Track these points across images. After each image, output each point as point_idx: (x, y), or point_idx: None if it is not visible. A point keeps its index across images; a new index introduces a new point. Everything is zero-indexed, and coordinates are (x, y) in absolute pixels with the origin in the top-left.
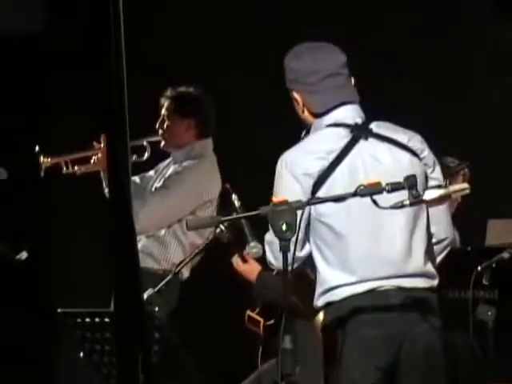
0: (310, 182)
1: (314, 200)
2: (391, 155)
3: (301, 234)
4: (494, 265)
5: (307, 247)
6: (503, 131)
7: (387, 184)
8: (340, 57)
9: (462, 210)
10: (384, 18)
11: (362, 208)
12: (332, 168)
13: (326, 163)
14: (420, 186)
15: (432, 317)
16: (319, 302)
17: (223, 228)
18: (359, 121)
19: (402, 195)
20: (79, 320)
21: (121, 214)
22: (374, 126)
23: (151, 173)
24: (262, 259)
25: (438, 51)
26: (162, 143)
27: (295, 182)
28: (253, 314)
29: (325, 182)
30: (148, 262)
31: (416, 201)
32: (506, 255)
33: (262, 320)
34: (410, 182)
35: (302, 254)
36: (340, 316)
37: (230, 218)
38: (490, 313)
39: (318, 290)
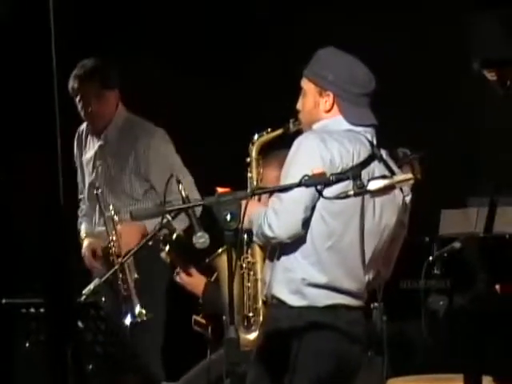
0: (330, 171)
1: (258, 191)
2: None
3: (308, 213)
4: (445, 254)
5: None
6: (457, 120)
7: (331, 174)
8: (373, 82)
9: (416, 200)
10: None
11: (357, 219)
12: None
13: (349, 164)
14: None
15: (361, 338)
16: (281, 288)
17: (169, 218)
18: (375, 142)
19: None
20: (24, 310)
21: (52, 207)
22: (383, 153)
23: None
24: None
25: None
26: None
27: (321, 164)
28: (199, 318)
29: (340, 183)
30: None
31: (361, 191)
32: (457, 245)
33: (208, 323)
34: (354, 173)
35: (303, 232)
36: (291, 325)
37: (175, 207)
38: (441, 302)
39: (283, 274)
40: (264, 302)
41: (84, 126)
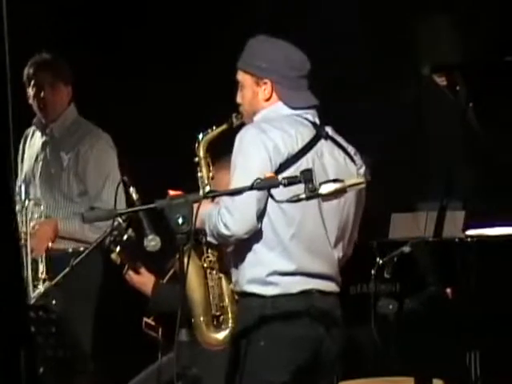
0: (279, 160)
1: (211, 193)
2: (344, 161)
3: (262, 205)
4: (395, 258)
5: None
6: (406, 124)
7: (284, 178)
8: (308, 63)
9: (366, 204)
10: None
11: (314, 202)
12: (300, 156)
13: (295, 148)
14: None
15: (339, 321)
16: (252, 284)
17: (121, 221)
18: (317, 121)
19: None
20: None
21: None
22: (329, 130)
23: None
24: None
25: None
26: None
27: (266, 154)
28: (149, 321)
29: (291, 167)
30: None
31: (312, 195)
32: (406, 249)
33: (159, 326)
34: (306, 176)
35: (259, 226)
36: (265, 313)
37: (126, 210)
38: (391, 306)
39: (251, 270)
40: (237, 301)
41: (31, 128)
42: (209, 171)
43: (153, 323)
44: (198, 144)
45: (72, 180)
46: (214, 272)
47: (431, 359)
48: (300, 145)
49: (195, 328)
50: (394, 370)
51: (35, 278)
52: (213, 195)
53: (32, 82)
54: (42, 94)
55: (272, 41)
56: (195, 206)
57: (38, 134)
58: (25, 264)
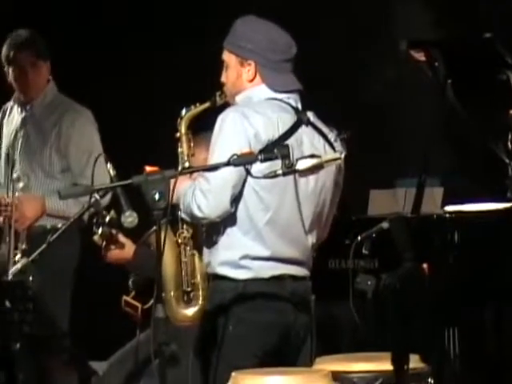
0: (258, 147)
1: (187, 170)
2: (323, 147)
3: (237, 190)
4: (374, 234)
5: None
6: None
7: (260, 153)
8: (294, 47)
9: (345, 180)
10: None
11: (291, 188)
12: (279, 142)
13: (275, 134)
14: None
15: (310, 306)
16: (224, 267)
17: (98, 197)
18: (299, 107)
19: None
20: None
21: None
22: (311, 116)
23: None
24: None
25: None
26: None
27: (246, 141)
28: (129, 299)
29: (269, 161)
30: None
31: (289, 170)
32: (385, 225)
33: (139, 305)
34: (282, 152)
35: (232, 209)
36: (236, 297)
37: (103, 186)
38: (369, 282)
39: (224, 253)
40: (208, 280)
41: (9, 103)
42: (189, 148)
43: (132, 301)
44: (181, 120)
45: (54, 157)
46: (188, 248)
47: (409, 335)
48: (281, 131)
49: (165, 302)
50: (371, 345)
51: (15, 247)
52: (189, 171)
53: (13, 64)
54: (26, 76)
55: (258, 22)
56: (172, 181)
57: (16, 109)
58: (7, 235)
